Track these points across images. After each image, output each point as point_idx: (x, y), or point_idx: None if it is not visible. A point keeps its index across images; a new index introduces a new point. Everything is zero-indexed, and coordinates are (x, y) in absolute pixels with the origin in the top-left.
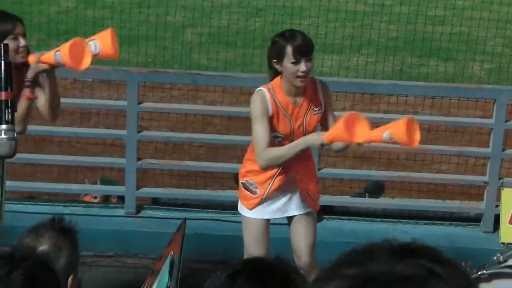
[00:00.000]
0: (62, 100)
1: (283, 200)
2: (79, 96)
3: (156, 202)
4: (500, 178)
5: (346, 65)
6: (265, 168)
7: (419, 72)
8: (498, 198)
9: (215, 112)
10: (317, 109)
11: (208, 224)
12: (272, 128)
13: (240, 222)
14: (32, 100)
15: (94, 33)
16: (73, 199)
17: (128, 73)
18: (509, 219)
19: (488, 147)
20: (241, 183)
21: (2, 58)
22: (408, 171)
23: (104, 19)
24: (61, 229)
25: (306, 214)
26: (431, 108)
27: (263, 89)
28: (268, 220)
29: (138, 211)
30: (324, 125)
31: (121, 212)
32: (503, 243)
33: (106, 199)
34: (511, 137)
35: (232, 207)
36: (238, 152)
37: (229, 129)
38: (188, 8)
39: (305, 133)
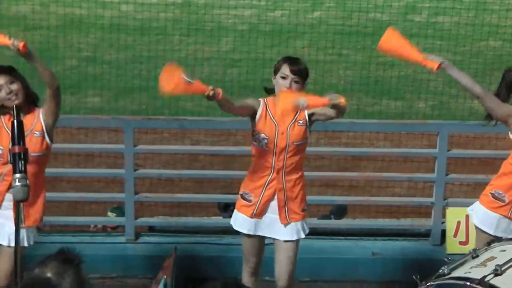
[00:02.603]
0: (70, 145)
1: (272, 219)
2: (84, 141)
3: (152, 229)
4: (444, 199)
5: None
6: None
7: (373, 110)
8: (444, 216)
9: (200, 150)
10: (301, 121)
11: (197, 247)
12: (260, 130)
13: (224, 244)
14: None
15: (95, 87)
16: (81, 229)
17: (124, 121)
18: (453, 233)
19: (433, 172)
20: (240, 194)
21: (15, 118)
22: (367, 195)
23: (103, 74)
24: (65, 259)
25: (290, 242)
26: (384, 141)
27: (260, 99)
28: (258, 236)
29: (136, 238)
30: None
31: (122, 239)
32: (449, 254)
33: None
34: (453, 163)
35: (216, 231)
36: (220, 184)
37: (212, 164)
38: (174, 62)
39: (288, 141)
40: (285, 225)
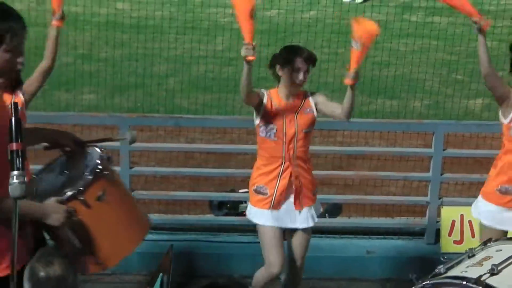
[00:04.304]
0: None
1: (287, 210)
2: None
3: None
4: (439, 198)
5: None
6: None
7: (368, 108)
8: (439, 215)
9: (195, 148)
10: (308, 109)
11: (192, 244)
12: (267, 121)
13: (219, 242)
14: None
15: (91, 84)
16: None
17: (121, 118)
18: (448, 232)
19: (428, 171)
20: (253, 190)
21: (13, 115)
22: (361, 193)
23: (99, 71)
24: (60, 253)
25: (306, 229)
26: (379, 140)
27: (263, 90)
28: (280, 228)
29: None
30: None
31: None
32: (443, 253)
33: None
34: (448, 163)
35: (211, 229)
36: (215, 182)
37: (207, 162)
38: (170, 60)
39: (297, 128)
40: (299, 211)
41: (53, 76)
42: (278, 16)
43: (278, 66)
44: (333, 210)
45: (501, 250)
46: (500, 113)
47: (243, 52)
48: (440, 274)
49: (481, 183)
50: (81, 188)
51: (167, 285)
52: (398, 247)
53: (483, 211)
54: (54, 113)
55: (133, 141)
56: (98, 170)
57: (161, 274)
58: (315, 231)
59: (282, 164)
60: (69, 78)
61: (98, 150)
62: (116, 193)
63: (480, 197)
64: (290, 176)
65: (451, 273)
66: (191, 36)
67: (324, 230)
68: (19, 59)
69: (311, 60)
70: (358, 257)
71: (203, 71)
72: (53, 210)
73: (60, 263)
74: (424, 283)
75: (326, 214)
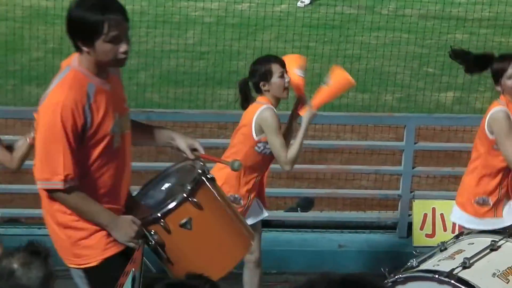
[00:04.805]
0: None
1: (255, 206)
2: None
3: None
4: (411, 191)
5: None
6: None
7: (340, 102)
8: (410, 208)
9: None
10: None
11: None
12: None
13: None
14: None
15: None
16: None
17: None
18: (420, 226)
19: (400, 165)
20: None
21: None
22: (333, 187)
23: None
24: (32, 251)
25: (260, 221)
26: (351, 133)
27: (270, 105)
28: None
29: None
30: None
31: None
32: (415, 247)
33: None
34: (419, 156)
35: None
36: None
37: (178, 157)
38: (141, 54)
39: None
40: (259, 205)
41: (23, 71)
42: (249, 10)
43: (261, 83)
44: (305, 204)
45: (473, 243)
46: (486, 127)
47: (311, 118)
48: (412, 267)
49: (452, 177)
50: (160, 214)
51: (139, 281)
52: (370, 241)
53: (462, 216)
54: (25, 108)
55: (234, 169)
56: (186, 195)
57: (133, 269)
58: (287, 225)
59: (258, 175)
60: (40, 72)
61: (202, 164)
62: (206, 219)
63: (456, 208)
64: (261, 185)
65: (423, 266)
66: (162, 30)
67: (295, 224)
68: (121, 48)
69: (282, 61)
70: (330, 251)
71: (174, 65)
72: (122, 226)
73: (20, 257)
74: (396, 276)
75: (298, 208)
